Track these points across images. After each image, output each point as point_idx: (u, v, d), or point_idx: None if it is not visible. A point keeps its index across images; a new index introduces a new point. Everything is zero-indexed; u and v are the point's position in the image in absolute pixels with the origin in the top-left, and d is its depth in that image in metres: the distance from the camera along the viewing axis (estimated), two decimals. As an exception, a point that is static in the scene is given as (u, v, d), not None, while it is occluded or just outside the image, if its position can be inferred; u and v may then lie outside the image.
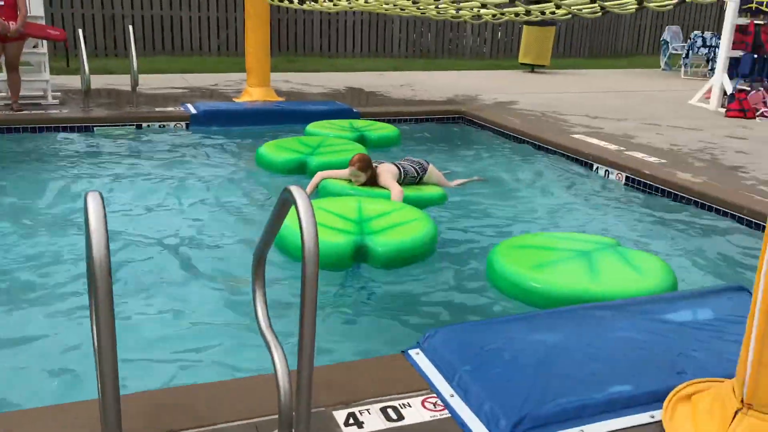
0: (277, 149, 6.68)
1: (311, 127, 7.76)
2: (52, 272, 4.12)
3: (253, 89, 9.31)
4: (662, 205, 5.88)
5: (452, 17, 5.35)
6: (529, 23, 13.78)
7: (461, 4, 4.36)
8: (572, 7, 4.33)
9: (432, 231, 4.70)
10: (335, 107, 8.88)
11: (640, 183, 6.36)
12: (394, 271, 4.39)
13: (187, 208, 5.41)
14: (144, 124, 8.06)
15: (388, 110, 9.21)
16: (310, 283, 2.03)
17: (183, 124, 8.19)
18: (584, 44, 18.39)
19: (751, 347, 2.34)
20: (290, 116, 8.53)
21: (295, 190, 2.11)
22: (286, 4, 7.51)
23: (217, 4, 15.09)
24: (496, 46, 17.58)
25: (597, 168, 6.88)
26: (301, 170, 6.37)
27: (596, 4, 4.72)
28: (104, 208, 1.84)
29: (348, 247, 4.37)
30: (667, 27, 15.70)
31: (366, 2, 4.46)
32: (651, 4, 4.89)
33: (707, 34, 13.67)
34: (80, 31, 8.11)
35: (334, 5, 4.72)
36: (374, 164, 5.72)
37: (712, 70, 13.76)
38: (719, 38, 13.49)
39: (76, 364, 3.08)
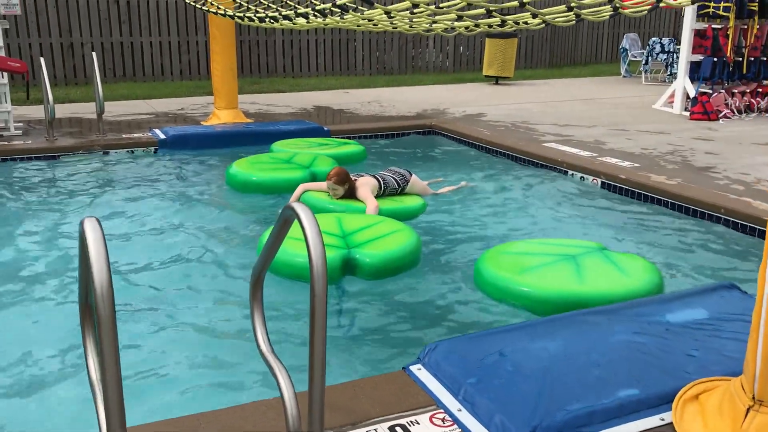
0: (248, 167, 6.63)
1: (276, 145, 7.71)
2: (28, 306, 3.98)
3: (221, 111, 9.22)
4: (640, 208, 5.93)
5: (425, 31, 5.35)
6: (494, 35, 13.93)
7: (437, 17, 4.36)
8: (547, 17, 4.37)
9: (415, 241, 4.73)
10: (305, 126, 8.83)
11: (616, 188, 6.41)
12: (381, 283, 4.37)
13: (165, 233, 5.29)
14: (112, 151, 7.91)
15: (358, 127, 9.19)
16: (320, 301, 1.97)
17: (152, 149, 8.06)
18: (545, 55, 18.64)
19: (759, 344, 2.33)
20: (261, 137, 8.44)
21: (299, 207, 2.06)
22: (256, 23, 7.43)
23: (177, 28, 14.97)
24: (458, 61, 17.72)
25: (572, 174, 6.93)
26: (272, 188, 6.33)
27: (572, 13, 4.75)
28: (103, 234, 1.77)
29: (337, 260, 4.34)
30: (625, 35, 16.00)
31: (341, 19, 4.43)
32: (627, 11, 4.94)
33: (665, 40, 13.96)
34: (42, 60, 7.94)
35: (308, 22, 4.68)
36: (353, 177, 5.72)
37: (672, 75, 14.06)
38: (677, 44, 13.80)
39: (63, 400, 2.96)
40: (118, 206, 5.96)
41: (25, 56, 13.94)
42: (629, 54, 15.61)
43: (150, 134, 8.44)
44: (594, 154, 7.36)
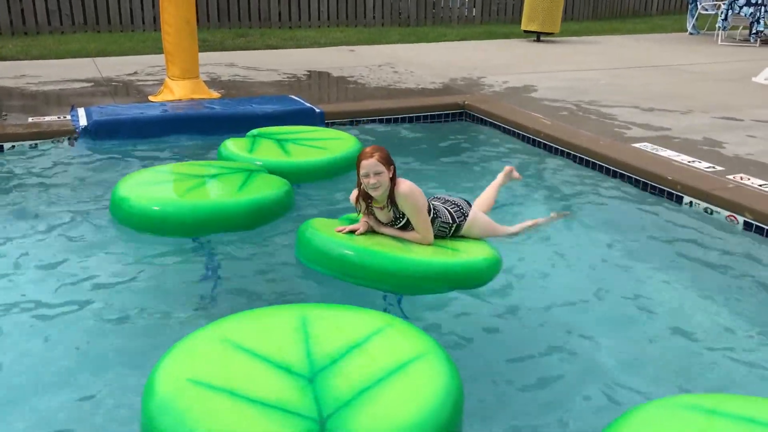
0: (142, 188, 4.10)
1: (229, 145, 5.00)
2: None
3: (174, 83, 6.68)
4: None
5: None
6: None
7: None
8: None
9: (455, 390, 2.32)
10: (290, 107, 6.32)
11: (775, 236, 3.94)
12: None
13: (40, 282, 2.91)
14: (7, 145, 5.46)
15: (362, 108, 6.66)
16: None
17: (66, 141, 5.60)
18: (587, 6, 15.86)
19: None
20: (224, 122, 5.97)
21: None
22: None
23: (150, -34, 12.28)
24: (487, 10, 14.97)
25: (691, 202, 4.45)
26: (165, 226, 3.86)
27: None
28: None
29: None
30: (695, -17, 13.15)
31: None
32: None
33: (752, -10, 11.15)
34: None
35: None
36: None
37: (757, 33, 11.33)
38: (768, -6, 11.04)
39: None
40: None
41: (-40, -1, 11.34)
42: (699, 6, 12.79)
43: (70, 116, 5.97)
44: (718, 168, 4.86)
